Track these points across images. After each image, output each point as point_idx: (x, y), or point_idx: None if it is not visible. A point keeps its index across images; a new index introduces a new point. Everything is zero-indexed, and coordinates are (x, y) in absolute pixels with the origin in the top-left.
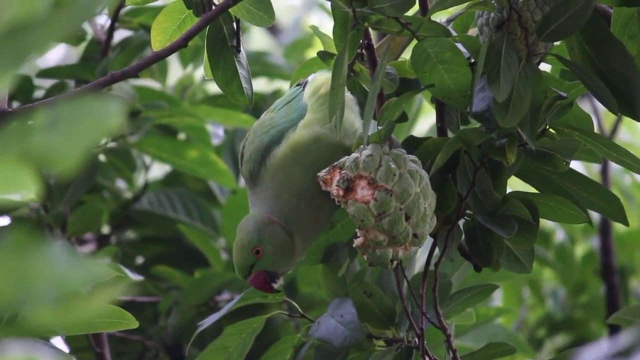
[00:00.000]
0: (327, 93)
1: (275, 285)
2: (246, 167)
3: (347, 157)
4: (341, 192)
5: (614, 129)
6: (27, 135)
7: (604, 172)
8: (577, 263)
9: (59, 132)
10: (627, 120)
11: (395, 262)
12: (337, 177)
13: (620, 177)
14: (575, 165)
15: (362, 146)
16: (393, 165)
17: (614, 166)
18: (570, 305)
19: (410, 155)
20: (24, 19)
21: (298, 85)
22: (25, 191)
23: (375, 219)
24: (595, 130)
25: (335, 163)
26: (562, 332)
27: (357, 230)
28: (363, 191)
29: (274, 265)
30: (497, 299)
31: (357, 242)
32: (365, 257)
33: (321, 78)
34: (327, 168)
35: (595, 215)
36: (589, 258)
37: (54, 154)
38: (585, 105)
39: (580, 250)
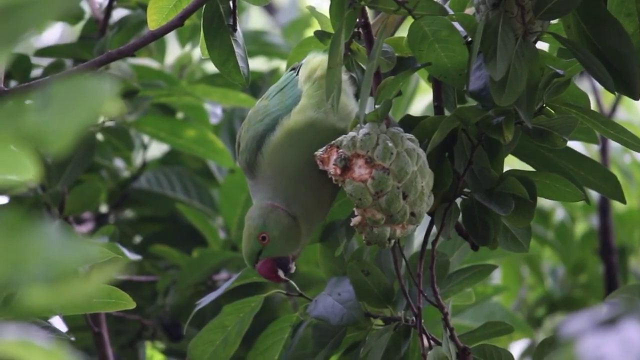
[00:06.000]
0: (322, 76)
1: (284, 275)
2: (242, 156)
3: (344, 135)
4: (338, 171)
5: (613, 108)
6: (21, 115)
7: (603, 151)
8: (577, 242)
9: (52, 111)
10: (625, 99)
11: (392, 241)
12: (334, 156)
13: (620, 156)
14: (574, 144)
15: (359, 125)
16: (390, 144)
17: (613, 145)
18: (569, 284)
19: (407, 134)
20: None
21: (292, 69)
22: (24, 173)
23: (373, 197)
24: (594, 109)
25: (333, 142)
26: (561, 311)
27: (354, 209)
28: (360, 170)
29: (281, 251)
30: (497, 277)
31: (355, 220)
32: (362, 236)
33: (315, 61)
34: (325, 147)
35: (594, 195)
36: (589, 237)
37: (47, 133)
38: (584, 85)
39: (580, 229)
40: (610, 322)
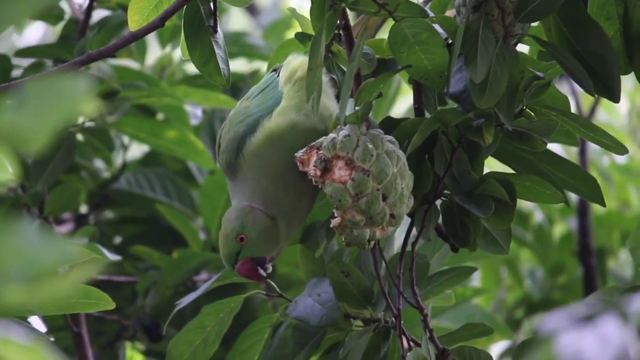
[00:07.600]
0: (302, 77)
1: (264, 272)
2: (223, 157)
3: (325, 137)
4: (318, 173)
5: (592, 111)
6: None
7: (582, 153)
8: (555, 244)
9: (27, 110)
10: (605, 101)
11: (372, 243)
12: (314, 158)
13: (599, 158)
14: (554, 146)
15: (339, 126)
16: (370, 146)
17: (592, 147)
18: (548, 286)
19: (387, 136)
20: None
21: (273, 70)
22: (1, 172)
23: (353, 199)
24: (574, 111)
25: (313, 143)
26: (540, 312)
27: (334, 210)
28: (340, 171)
29: (259, 251)
30: (476, 279)
31: (335, 222)
32: (342, 237)
33: (296, 62)
34: (305, 148)
35: (573, 197)
36: (567, 239)
37: (22, 131)
38: (563, 87)
39: (558, 231)
40: (588, 319)
